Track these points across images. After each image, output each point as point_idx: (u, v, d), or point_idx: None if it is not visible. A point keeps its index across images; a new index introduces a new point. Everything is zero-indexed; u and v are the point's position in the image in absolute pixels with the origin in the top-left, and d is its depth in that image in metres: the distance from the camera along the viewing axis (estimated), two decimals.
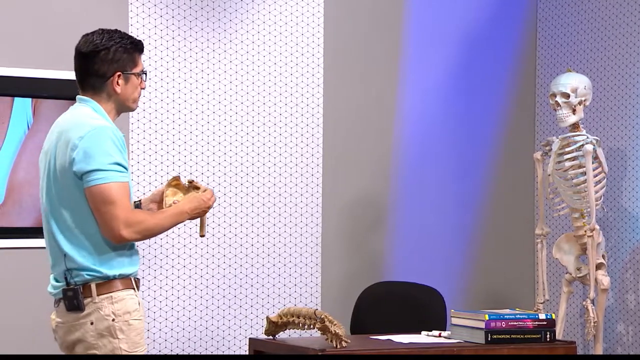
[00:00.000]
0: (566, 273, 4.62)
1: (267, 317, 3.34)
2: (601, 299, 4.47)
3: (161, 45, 4.42)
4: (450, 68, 5.01)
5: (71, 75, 4.16)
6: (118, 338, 2.86)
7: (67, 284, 2.87)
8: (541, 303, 4.62)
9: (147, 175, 4.41)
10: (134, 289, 2.93)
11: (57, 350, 3.04)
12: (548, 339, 3.34)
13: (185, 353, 4.45)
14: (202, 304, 4.48)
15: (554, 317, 3.39)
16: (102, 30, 2.98)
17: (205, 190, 3.04)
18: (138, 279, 2.98)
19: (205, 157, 4.51)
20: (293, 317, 3.27)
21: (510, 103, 5.17)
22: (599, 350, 4.47)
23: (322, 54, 4.69)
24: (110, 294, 2.87)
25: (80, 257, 2.87)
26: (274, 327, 3.34)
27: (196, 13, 4.49)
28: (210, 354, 4.50)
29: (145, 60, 4.37)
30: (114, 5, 4.33)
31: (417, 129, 4.94)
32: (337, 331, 3.13)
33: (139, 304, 2.92)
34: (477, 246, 5.07)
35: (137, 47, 2.99)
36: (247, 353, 4.35)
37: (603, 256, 4.51)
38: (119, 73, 2.94)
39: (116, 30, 3.00)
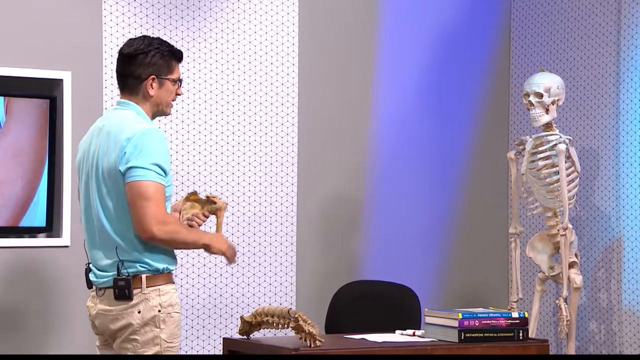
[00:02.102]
0: (539, 272, 4.64)
1: (241, 317, 3.34)
2: (574, 297, 4.50)
3: None
4: (425, 68, 5.02)
5: (43, 73, 4.21)
6: (160, 328, 3.05)
7: (119, 274, 3.04)
8: (514, 302, 4.64)
9: None
10: (174, 283, 3.13)
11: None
12: (521, 338, 3.36)
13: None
14: None
15: (526, 315, 3.40)
16: (145, 36, 3.20)
17: (219, 207, 3.25)
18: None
19: (180, 156, 4.50)
20: (267, 316, 3.27)
21: (484, 103, 5.19)
22: (572, 349, 4.50)
23: (297, 53, 4.69)
24: (158, 287, 3.06)
25: (132, 250, 3.05)
26: (248, 326, 3.34)
27: (170, 12, 4.47)
28: (185, 353, 4.49)
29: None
30: (88, 5, 4.31)
31: (391, 129, 4.95)
32: (311, 330, 3.13)
33: (178, 298, 3.12)
34: (451, 245, 5.09)
35: (174, 55, 3.18)
36: (221, 353, 4.35)
37: (576, 255, 4.54)
38: (153, 76, 3.12)
39: (158, 38, 3.20)
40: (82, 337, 4.22)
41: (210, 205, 3.27)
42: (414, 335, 3.45)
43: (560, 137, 4.48)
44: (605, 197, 4.78)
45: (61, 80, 4.21)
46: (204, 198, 3.28)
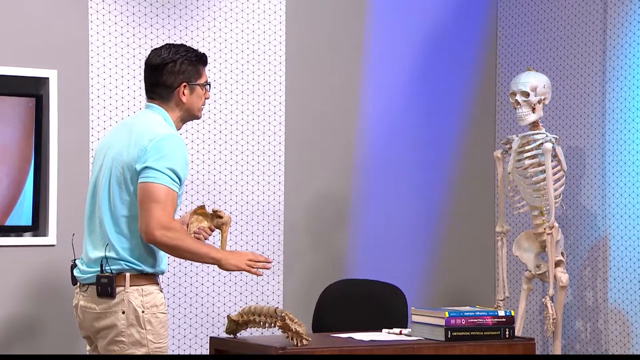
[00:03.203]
0: (526, 270, 4.65)
1: (228, 316, 3.34)
2: (560, 296, 4.50)
3: (121, 42, 4.39)
4: (412, 66, 5.03)
5: (29, 72, 4.19)
6: (145, 329, 3.06)
7: (102, 270, 3.05)
8: (501, 300, 4.65)
9: None
10: (159, 284, 3.14)
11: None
12: (507, 336, 3.37)
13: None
14: None
15: (513, 314, 3.42)
16: (170, 44, 3.23)
17: (225, 222, 3.27)
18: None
19: None
20: (254, 315, 3.27)
21: (471, 102, 5.19)
22: (558, 347, 4.51)
23: (284, 52, 4.69)
24: (141, 287, 3.07)
25: (123, 249, 3.06)
26: (234, 325, 3.34)
27: (157, 10, 4.47)
28: (171, 352, 4.48)
29: (106, 57, 4.36)
30: (74, 3, 4.30)
31: (378, 128, 4.95)
32: (297, 329, 3.14)
33: (164, 298, 3.13)
34: (438, 244, 5.10)
35: (201, 59, 3.23)
36: (207, 352, 4.35)
37: (562, 253, 4.55)
38: (184, 84, 3.18)
39: (182, 44, 3.24)
40: (67, 336, 4.21)
41: (217, 220, 3.31)
42: (400, 334, 3.46)
43: (547, 136, 4.49)
44: (591, 196, 4.80)
45: (47, 78, 4.20)
46: (210, 212, 3.32)
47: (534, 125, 4.51)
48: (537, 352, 4.77)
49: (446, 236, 5.10)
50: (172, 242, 3.02)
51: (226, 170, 4.60)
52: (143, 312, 3.06)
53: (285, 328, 3.15)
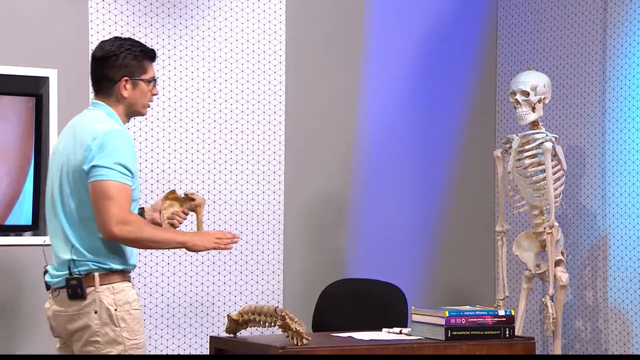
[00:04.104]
0: (526, 270, 4.65)
1: (228, 315, 3.35)
2: (560, 295, 4.50)
3: None
4: (412, 66, 5.03)
5: (29, 71, 4.19)
6: (120, 327, 3.04)
7: (70, 273, 3.03)
8: (501, 300, 4.65)
9: None
10: (130, 281, 3.12)
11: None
12: (507, 335, 3.37)
13: (145, 351, 4.42)
14: (163, 302, 4.46)
15: (513, 313, 3.42)
16: (117, 38, 3.19)
17: (199, 204, 3.24)
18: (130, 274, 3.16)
19: (167, 154, 4.49)
20: (254, 315, 3.27)
21: (471, 101, 5.20)
22: (558, 346, 4.52)
23: (284, 51, 4.69)
24: (112, 285, 3.05)
25: (88, 250, 3.04)
26: (234, 325, 3.34)
27: (157, 9, 4.46)
28: (171, 352, 4.48)
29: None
30: (74, 2, 4.30)
31: (378, 127, 4.95)
32: (298, 329, 3.14)
33: (137, 294, 3.11)
34: (438, 243, 5.10)
35: (147, 55, 3.17)
36: (208, 351, 4.35)
37: (562, 253, 4.55)
38: (126, 78, 3.12)
39: (129, 38, 3.20)
40: None
41: (189, 203, 3.26)
42: (400, 333, 3.46)
43: (547, 135, 4.49)
44: (591, 195, 4.80)
45: (47, 78, 4.21)
46: (182, 196, 3.27)
47: (534, 124, 4.51)
48: (537, 352, 4.77)
49: (446, 235, 5.11)
50: (132, 235, 3.00)
51: (226, 169, 4.60)
52: (116, 310, 3.04)
53: (285, 327, 3.15)
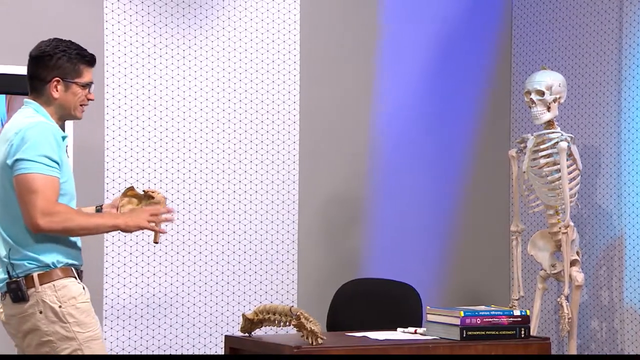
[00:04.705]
0: (541, 270, 4.65)
1: (243, 315, 3.35)
2: (575, 295, 4.50)
3: (136, 41, 4.41)
4: (426, 66, 5.03)
5: None
6: (69, 322, 3.02)
7: (10, 277, 3.02)
8: (516, 299, 4.64)
9: (122, 171, 4.40)
10: (75, 277, 3.07)
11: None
12: (523, 335, 3.37)
13: (161, 350, 4.45)
14: (178, 301, 4.48)
15: (528, 313, 3.42)
16: (56, 39, 3.17)
17: (158, 202, 3.17)
18: (81, 271, 3.14)
19: (182, 153, 4.50)
20: (269, 314, 3.28)
21: (485, 101, 5.19)
22: (573, 347, 4.51)
23: (298, 51, 4.70)
24: (52, 283, 3.02)
25: (20, 247, 3.02)
26: (249, 324, 3.35)
27: (172, 10, 4.48)
28: (187, 351, 4.50)
29: (121, 56, 4.37)
30: (90, 3, 4.32)
31: (392, 127, 4.96)
32: (312, 328, 3.14)
33: (83, 288, 3.07)
34: (452, 243, 5.10)
35: (83, 58, 3.16)
36: (222, 350, 4.36)
37: (577, 253, 4.54)
38: (57, 79, 3.11)
39: (69, 41, 3.18)
40: None
41: (148, 200, 3.19)
42: (415, 333, 3.46)
43: (562, 134, 4.48)
44: (606, 195, 4.79)
45: None
46: (141, 193, 3.20)
47: (549, 124, 4.51)
48: (553, 352, 4.76)
49: (461, 235, 5.11)
50: (59, 226, 2.99)
51: (241, 169, 4.61)
52: (60, 306, 3.01)
53: (300, 327, 3.16)
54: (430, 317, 3.42)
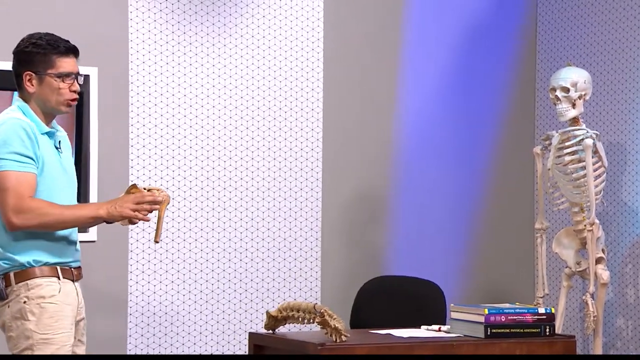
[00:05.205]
0: (566, 267, 4.63)
1: (267, 312, 3.35)
2: (601, 293, 4.48)
3: (160, 40, 4.44)
4: (450, 63, 5.03)
5: None
6: (28, 320, 2.95)
7: None
8: (541, 297, 4.64)
9: (146, 168, 4.42)
10: (57, 277, 3.00)
11: None
12: (547, 333, 3.36)
13: (185, 347, 4.47)
14: (202, 299, 4.50)
15: (553, 311, 3.40)
16: (32, 33, 3.07)
17: (160, 201, 3.04)
18: (74, 268, 3.06)
19: (206, 151, 4.52)
20: (293, 311, 3.28)
21: (510, 98, 5.19)
22: (599, 345, 4.49)
23: (322, 50, 4.71)
24: (27, 282, 2.97)
25: (1, 247, 2.98)
26: (273, 321, 3.35)
27: (196, 7, 4.50)
28: (210, 348, 4.52)
29: (145, 54, 4.40)
30: (114, 1, 4.35)
31: (416, 124, 4.96)
32: (336, 325, 3.14)
33: (59, 290, 2.99)
34: (477, 240, 5.09)
35: (55, 49, 3.02)
36: (247, 347, 4.38)
37: (603, 250, 4.53)
38: (28, 73, 3.02)
39: (46, 33, 3.07)
40: (112, 332, 4.26)
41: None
42: (439, 330, 3.46)
43: (587, 131, 4.46)
44: (632, 192, 4.77)
45: (88, 75, 4.25)
46: (144, 190, 3.09)
47: (574, 121, 4.49)
48: (578, 350, 4.74)
49: (485, 233, 5.10)
50: (33, 222, 2.93)
51: (264, 166, 4.62)
52: (25, 302, 2.96)
53: (324, 324, 3.16)
54: (454, 315, 3.42)
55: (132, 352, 4.37)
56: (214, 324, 4.52)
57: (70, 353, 3.01)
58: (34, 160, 2.96)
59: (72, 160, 3.22)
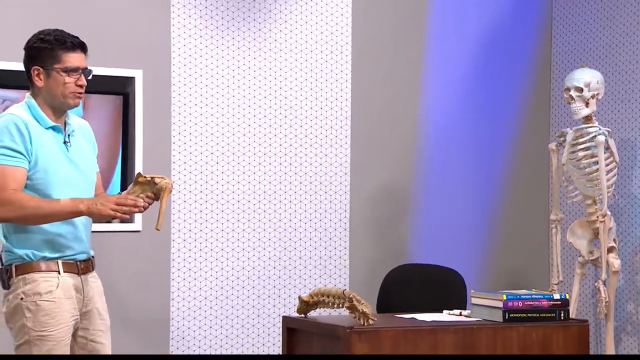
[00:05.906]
0: (579, 256, 4.66)
1: (300, 297, 3.39)
2: (612, 280, 4.51)
3: (201, 43, 4.51)
4: (470, 63, 5.05)
5: (117, 72, 4.26)
6: (25, 316, 2.92)
7: (2, 263, 3.00)
8: (555, 284, 4.67)
9: (187, 164, 4.50)
10: (57, 271, 2.94)
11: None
12: (562, 318, 3.38)
13: (224, 329, 4.55)
14: (238, 284, 4.58)
15: (567, 297, 3.40)
16: (42, 30, 3.03)
17: (161, 188, 2.97)
18: (80, 261, 2.99)
19: (242, 147, 4.60)
20: (323, 296, 3.31)
21: (526, 97, 5.20)
22: (610, 329, 4.52)
23: (350, 50, 4.77)
24: (25, 275, 2.93)
25: (3, 239, 2.99)
26: (305, 306, 3.39)
27: (233, 13, 4.57)
28: (246, 330, 4.58)
29: (186, 58, 4.47)
30: (158, 6, 4.42)
31: (438, 121, 4.98)
32: (364, 310, 3.17)
33: (57, 286, 2.93)
34: (495, 231, 5.12)
35: (62, 44, 2.97)
36: (280, 330, 4.48)
37: (614, 240, 4.56)
38: (36, 68, 2.97)
39: (54, 29, 3.01)
40: (154, 323, 4.35)
41: (154, 187, 2.98)
42: (460, 315, 3.50)
43: (600, 129, 4.49)
44: None
45: (133, 78, 4.32)
46: (149, 179, 3.01)
47: (587, 118, 4.51)
48: (591, 333, 4.67)
49: (503, 224, 5.11)
50: (12, 214, 2.86)
51: (296, 162, 4.69)
52: (22, 299, 2.91)
53: (352, 309, 3.19)
54: (474, 300, 3.45)
55: (175, 332, 4.41)
56: (250, 307, 4.60)
57: (67, 348, 2.95)
58: (24, 155, 2.89)
59: (91, 152, 3.12)
